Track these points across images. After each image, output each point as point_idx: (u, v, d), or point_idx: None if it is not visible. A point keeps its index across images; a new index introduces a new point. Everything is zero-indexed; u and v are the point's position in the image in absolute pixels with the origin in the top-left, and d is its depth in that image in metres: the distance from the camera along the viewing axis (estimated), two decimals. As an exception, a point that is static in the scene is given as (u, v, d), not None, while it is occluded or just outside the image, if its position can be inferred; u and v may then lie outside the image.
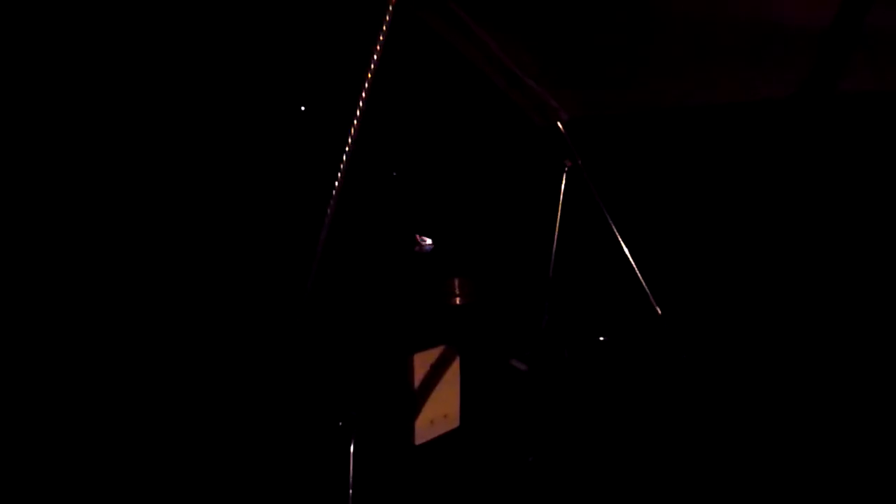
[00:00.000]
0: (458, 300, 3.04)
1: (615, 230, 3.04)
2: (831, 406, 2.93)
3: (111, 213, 2.72)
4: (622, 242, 3.05)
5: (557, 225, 3.11)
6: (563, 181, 3.07)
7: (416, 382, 2.71)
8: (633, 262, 3.06)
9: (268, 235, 3.04)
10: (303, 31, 2.96)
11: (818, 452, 2.79)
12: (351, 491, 2.32)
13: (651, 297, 3.07)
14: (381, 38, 2.03)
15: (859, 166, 2.72)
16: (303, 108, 3.12)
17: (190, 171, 2.88)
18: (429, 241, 3.10)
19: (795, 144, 2.77)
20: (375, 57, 2.03)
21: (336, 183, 1.96)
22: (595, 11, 2.46)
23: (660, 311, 3.07)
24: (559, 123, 3.03)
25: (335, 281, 2.90)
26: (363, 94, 2.01)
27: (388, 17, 2.04)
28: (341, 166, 1.96)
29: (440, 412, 2.82)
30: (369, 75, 2.04)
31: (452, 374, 2.86)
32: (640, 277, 3.07)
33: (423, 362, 2.74)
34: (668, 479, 2.81)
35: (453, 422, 2.89)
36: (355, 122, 1.98)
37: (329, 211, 1.96)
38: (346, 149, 1.97)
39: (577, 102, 2.95)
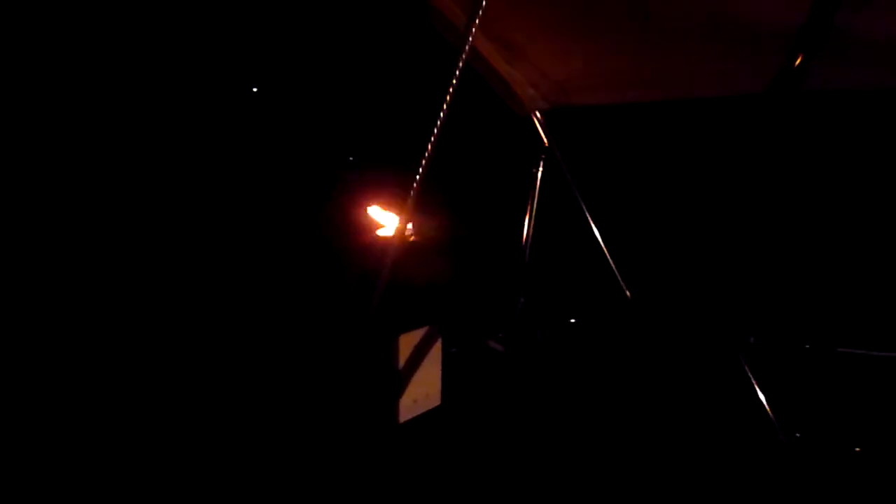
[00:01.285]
0: (438, 281, 3.13)
1: (589, 217, 3.17)
2: (797, 392, 3.12)
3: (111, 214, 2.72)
4: (595, 229, 3.18)
5: (533, 211, 3.22)
6: (540, 169, 3.18)
7: (401, 362, 2.79)
8: (604, 248, 3.19)
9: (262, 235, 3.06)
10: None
11: (789, 438, 2.96)
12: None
13: (621, 281, 3.21)
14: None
15: (827, 159, 2.91)
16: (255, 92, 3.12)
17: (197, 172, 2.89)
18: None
19: (767, 137, 2.93)
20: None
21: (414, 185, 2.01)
22: (576, 5, 2.54)
23: (629, 295, 3.22)
24: (537, 112, 3.13)
25: (319, 267, 2.96)
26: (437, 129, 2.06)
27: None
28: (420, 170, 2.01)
29: (423, 391, 2.90)
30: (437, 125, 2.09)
31: (434, 355, 2.95)
32: (612, 262, 3.20)
33: (407, 343, 2.82)
34: (638, 459, 2.96)
35: (435, 400, 2.98)
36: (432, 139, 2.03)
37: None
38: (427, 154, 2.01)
39: (556, 92, 3.05)
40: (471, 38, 2.59)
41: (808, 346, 3.27)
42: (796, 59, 2.60)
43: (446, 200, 3.34)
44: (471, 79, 3.07)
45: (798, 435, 3.07)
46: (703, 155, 3.11)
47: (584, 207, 3.18)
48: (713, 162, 3.06)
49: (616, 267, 3.20)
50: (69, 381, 2.49)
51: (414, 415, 2.89)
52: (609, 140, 3.20)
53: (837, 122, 2.85)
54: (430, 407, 2.97)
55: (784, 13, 2.42)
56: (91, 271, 2.64)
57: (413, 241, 3.23)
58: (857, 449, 3.00)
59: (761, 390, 3.10)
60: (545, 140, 3.17)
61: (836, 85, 2.63)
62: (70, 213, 2.59)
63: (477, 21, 2.47)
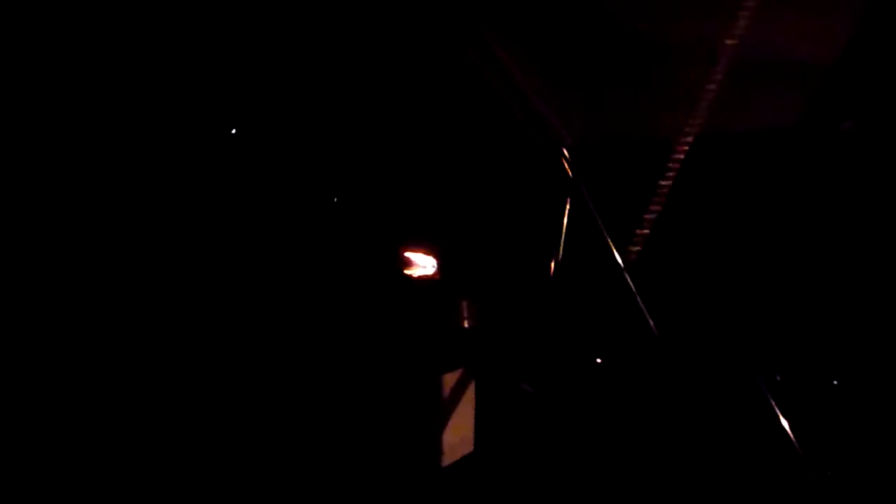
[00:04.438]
0: (466, 323, 3.02)
1: (615, 252, 3.11)
2: (826, 428, 3.08)
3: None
4: (622, 264, 3.12)
5: (561, 248, 3.16)
6: (567, 205, 3.13)
7: (440, 406, 2.67)
8: (632, 285, 3.13)
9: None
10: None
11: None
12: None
13: (649, 319, 3.15)
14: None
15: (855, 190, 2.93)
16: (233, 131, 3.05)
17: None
18: None
19: (797, 170, 2.95)
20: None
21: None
22: (606, 38, 2.54)
23: (657, 333, 3.16)
24: (564, 148, 3.10)
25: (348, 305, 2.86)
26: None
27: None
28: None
29: (457, 436, 2.78)
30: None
31: (468, 398, 2.83)
32: (640, 300, 3.14)
33: (445, 385, 2.71)
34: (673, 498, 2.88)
35: (468, 446, 2.85)
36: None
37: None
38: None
39: (583, 127, 3.03)
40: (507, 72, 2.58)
41: (835, 383, 3.24)
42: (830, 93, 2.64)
43: (473, 237, 3.26)
44: (497, 112, 3.05)
45: (829, 473, 3.02)
46: (734, 191, 3.10)
47: (610, 243, 3.13)
48: (745, 198, 3.06)
49: (644, 304, 3.15)
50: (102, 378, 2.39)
51: (451, 461, 2.76)
52: (637, 176, 3.18)
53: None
54: (464, 453, 2.84)
55: (817, 49, 2.46)
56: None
57: (438, 281, 3.13)
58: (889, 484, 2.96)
59: (790, 428, 3.06)
60: (571, 174, 3.13)
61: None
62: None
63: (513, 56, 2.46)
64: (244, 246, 2.84)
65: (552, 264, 3.19)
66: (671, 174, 2.69)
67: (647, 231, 2.66)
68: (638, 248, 2.66)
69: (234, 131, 2.94)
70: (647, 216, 2.75)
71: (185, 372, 2.56)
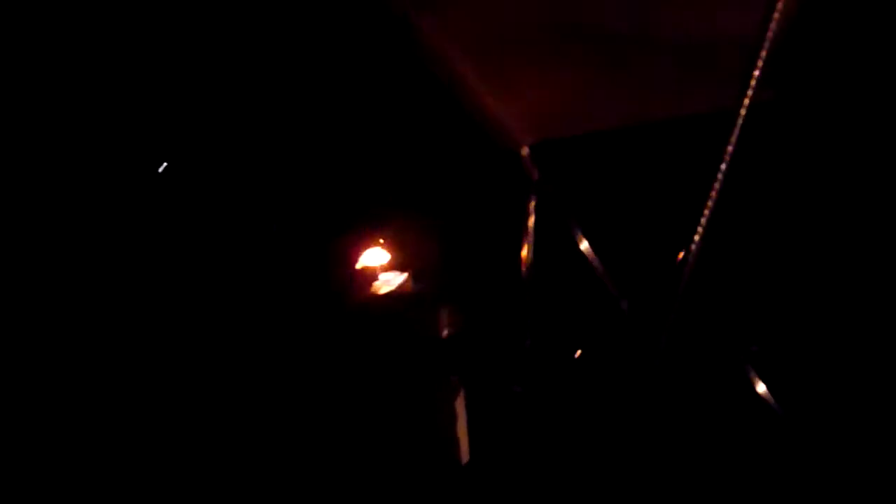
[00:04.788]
0: (445, 331, 3.00)
1: (587, 244, 3.12)
2: (807, 395, 3.14)
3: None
4: (593, 257, 3.14)
5: (530, 246, 3.14)
6: (531, 204, 3.12)
7: (432, 420, 2.64)
8: (605, 277, 3.15)
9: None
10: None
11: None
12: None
13: (623, 307, 3.16)
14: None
15: (809, 164, 3.00)
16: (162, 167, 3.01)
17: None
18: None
19: (760, 146, 3.00)
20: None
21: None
22: (569, 35, 2.53)
23: (631, 318, 3.18)
24: (525, 147, 3.09)
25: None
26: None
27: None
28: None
29: (453, 447, 2.75)
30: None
31: (459, 408, 2.81)
32: (613, 289, 3.16)
33: (434, 398, 2.68)
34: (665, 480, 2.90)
35: (464, 456, 2.83)
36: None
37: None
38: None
39: (544, 125, 3.02)
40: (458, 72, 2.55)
41: (811, 349, 3.31)
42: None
43: (439, 245, 3.25)
44: (453, 114, 3.02)
45: (815, 437, 3.09)
46: (697, 177, 3.13)
47: (579, 236, 3.14)
48: (710, 184, 3.09)
49: (618, 292, 3.17)
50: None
51: (451, 472, 2.73)
52: (604, 170, 3.21)
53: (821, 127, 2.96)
54: (462, 463, 2.82)
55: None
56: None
57: (412, 292, 3.11)
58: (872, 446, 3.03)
59: (772, 397, 3.11)
60: (534, 174, 3.12)
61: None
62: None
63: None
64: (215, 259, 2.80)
65: (523, 265, 3.17)
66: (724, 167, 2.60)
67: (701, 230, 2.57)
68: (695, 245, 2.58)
69: (163, 166, 2.89)
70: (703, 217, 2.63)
71: (181, 386, 2.53)
